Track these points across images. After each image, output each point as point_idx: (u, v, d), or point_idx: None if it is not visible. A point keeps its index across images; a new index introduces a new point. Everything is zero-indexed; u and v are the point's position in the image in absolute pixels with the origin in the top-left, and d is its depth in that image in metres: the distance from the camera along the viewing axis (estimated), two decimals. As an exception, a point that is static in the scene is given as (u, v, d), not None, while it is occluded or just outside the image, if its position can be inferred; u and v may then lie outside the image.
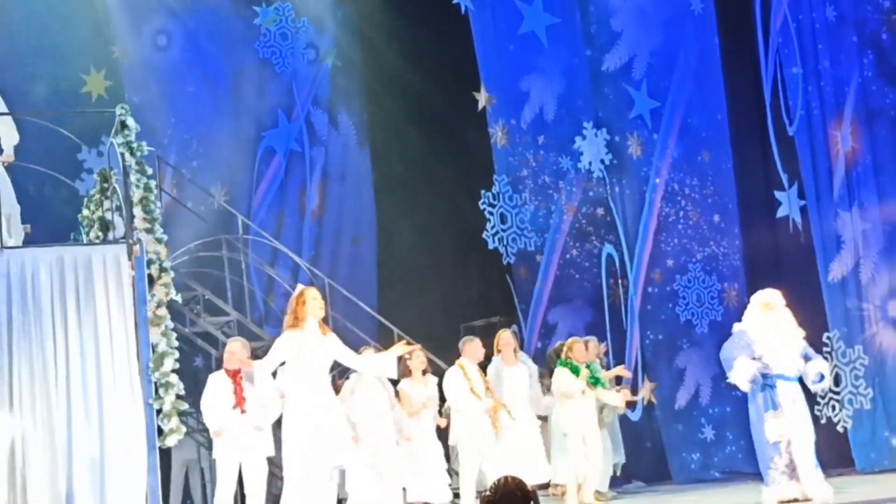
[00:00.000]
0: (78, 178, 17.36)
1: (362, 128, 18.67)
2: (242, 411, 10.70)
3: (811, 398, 14.94)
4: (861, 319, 15.44)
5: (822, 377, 11.27)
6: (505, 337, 12.66)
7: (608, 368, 14.64)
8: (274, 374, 10.30)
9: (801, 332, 11.26)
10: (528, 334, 16.36)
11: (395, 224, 17.81)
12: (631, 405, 14.77)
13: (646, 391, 16.32)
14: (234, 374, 10.87)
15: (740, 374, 11.09)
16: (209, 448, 11.78)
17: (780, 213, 16.01)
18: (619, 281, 16.80)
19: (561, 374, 12.43)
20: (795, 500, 10.71)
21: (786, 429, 10.92)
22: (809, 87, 15.75)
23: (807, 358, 11.23)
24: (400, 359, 10.85)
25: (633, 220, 16.82)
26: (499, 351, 12.58)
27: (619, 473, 14.21)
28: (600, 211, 16.93)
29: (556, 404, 12.53)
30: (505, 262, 16.77)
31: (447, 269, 17.16)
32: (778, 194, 15.96)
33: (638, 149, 17.00)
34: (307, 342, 9.18)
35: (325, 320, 9.58)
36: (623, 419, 14.63)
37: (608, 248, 16.87)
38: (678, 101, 17.04)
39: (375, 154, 18.36)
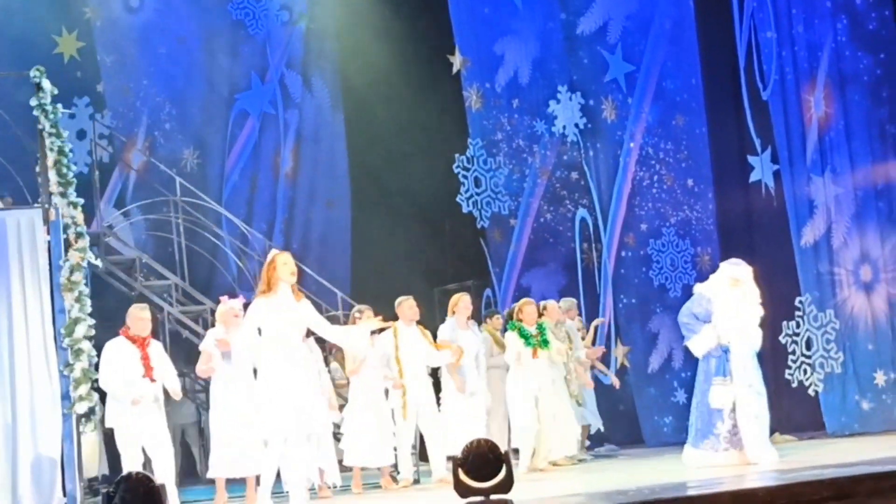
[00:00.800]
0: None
1: (336, 90, 18.59)
2: (152, 380, 10.45)
3: (783, 362, 15.06)
4: (833, 284, 15.51)
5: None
6: (465, 301, 12.53)
7: (589, 329, 14.70)
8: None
9: (761, 312, 11.35)
10: (502, 298, 16.39)
11: (370, 187, 17.78)
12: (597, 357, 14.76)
13: (619, 354, 16.39)
14: (143, 342, 10.57)
15: (700, 345, 11.25)
16: (207, 409, 11.68)
17: (753, 177, 16.04)
18: (593, 245, 16.83)
19: (508, 337, 12.42)
20: (736, 466, 10.67)
21: (729, 398, 11.00)
22: (783, 51, 15.75)
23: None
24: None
25: (608, 185, 16.82)
26: (453, 313, 12.46)
27: (585, 437, 14.17)
28: (574, 175, 16.94)
29: (511, 368, 12.45)
30: (479, 226, 16.77)
31: (421, 233, 17.15)
32: (751, 159, 15.98)
33: (612, 113, 16.99)
34: (279, 308, 9.13)
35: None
36: (596, 383, 14.67)
37: (582, 212, 16.88)
38: (653, 65, 17.03)
39: (349, 117, 18.31)
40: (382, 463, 11.78)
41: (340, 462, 11.76)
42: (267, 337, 9.16)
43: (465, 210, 16.69)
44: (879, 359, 15.29)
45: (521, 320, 12.39)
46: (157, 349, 10.67)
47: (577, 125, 16.92)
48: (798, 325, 15.27)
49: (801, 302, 15.42)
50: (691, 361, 16.18)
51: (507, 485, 6.39)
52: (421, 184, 16.99)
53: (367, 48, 17.53)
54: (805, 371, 15.31)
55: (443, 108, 16.92)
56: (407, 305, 12.06)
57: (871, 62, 15.87)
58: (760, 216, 15.90)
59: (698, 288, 11.53)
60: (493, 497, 6.34)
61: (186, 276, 15.14)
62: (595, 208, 16.82)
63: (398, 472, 11.91)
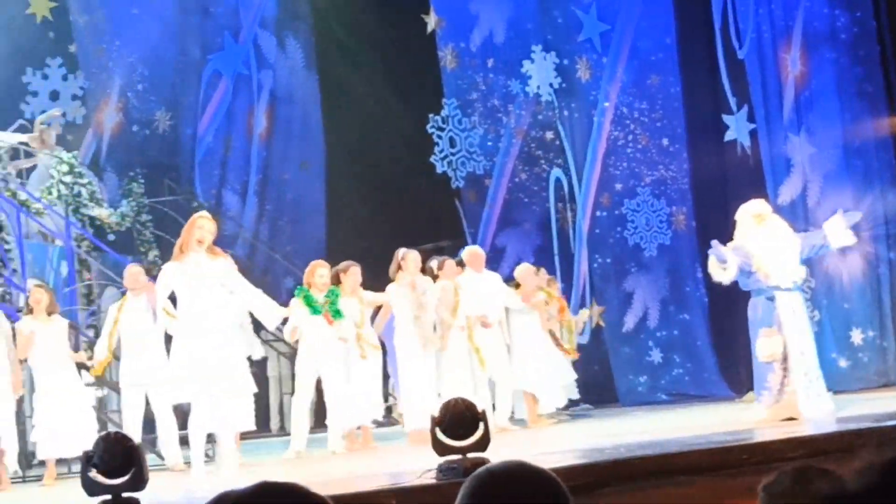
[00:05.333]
0: (23, 101, 17.18)
1: (310, 51, 18.52)
2: None
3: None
4: (808, 243, 15.52)
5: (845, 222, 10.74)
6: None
7: (566, 295, 14.73)
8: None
9: (797, 240, 10.75)
10: (478, 258, 16.35)
11: (344, 148, 17.74)
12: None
13: (594, 314, 16.42)
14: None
15: (727, 274, 10.57)
16: (291, 359, 11.70)
17: (729, 136, 16.02)
18: (568, 205, 16.82)
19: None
20: (791, 419, 10.02)
21: (777, 347, 10.22)
22: (760, 9, 15.71)
23: (814, 239, 10.84)
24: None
25: (582, 144, 16.80)
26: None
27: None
28: (549, 135, 16.91)
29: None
30: (454, 186, 16.75)
31: (396, 193, 17.12)
32: (726, 118, 15.97)
33: (587, 72, 16.95)
34: (186, 271, 9.05)
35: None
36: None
37: (557, 172, 16.87)
38: (627, 25, 16.96)
39: (324, 77, 18.24)
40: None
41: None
42: (179, 302, 9.15)
43: (439, 170, 16.66)
44: (855, 317, 15.33)
45: (310, 285, 11.44)
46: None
47: (551, 85, 16.87)
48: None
49: (776, 261, 15.42)
50: (666, 321, 16.26)
51: (483, 443, 6.42)
52: (395, 144, 16.96)
53: (342, 7, 17.44)
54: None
55: (417, 67, 16.86)
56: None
57: (849, 20, 15.85)
58: (736, 175, 15.88)
59: (729, 245, 10.80)
60: (470, 455, 6.37)
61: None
62: (570, 168, 16.80)
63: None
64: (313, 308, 11.12)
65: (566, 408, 14.26)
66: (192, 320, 8.98)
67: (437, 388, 11.50)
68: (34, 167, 15.85)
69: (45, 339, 10.25)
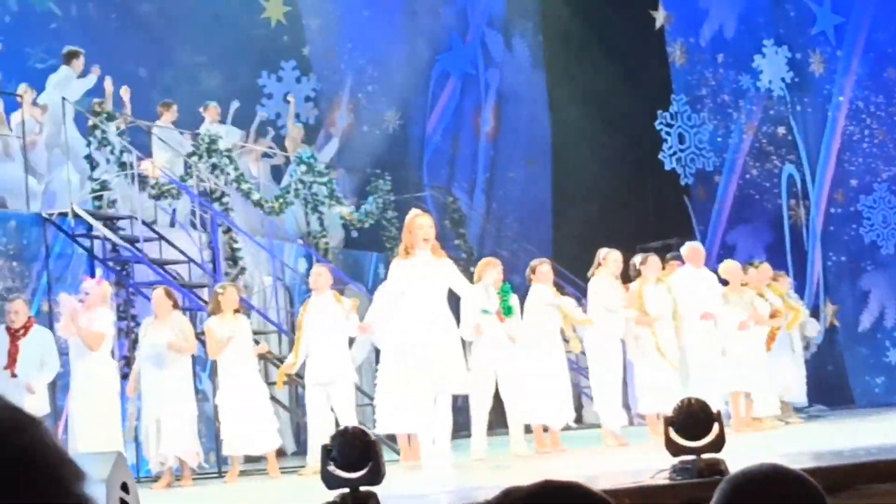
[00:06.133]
0: (258, 104, 17.66)
1: (537, 49, 18.58)
2: (13, 375, 9.97)
3: None
4: None
5: None
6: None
7: (799, 294, 14.30)
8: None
9: None
10: (707, 255, 16.15)
11: (570, 145, 17.74)
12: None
13: (828, 313, 16.02)
14: (14, 333, 10.06)
15: None
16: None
17: (971, 129, 15.45)
18: (801, 201, 16.46)
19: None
20: None
21: None
22: None
23: None
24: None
25: (815, 140, 16.42)
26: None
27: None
28: (781, 130, 16.59)
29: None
30: (683, 183, 16.57)
31: (623, 190, 17.04)
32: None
33: (820, 66, 16.55)
34: (413, 270, 9.02)
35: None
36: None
37: (789, 168, 16.53)
38: (863, 16, 16.49)
39: (550, 75, 18.28)
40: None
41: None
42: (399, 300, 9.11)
43: (668, 167, 16.50)
44: None
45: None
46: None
47: (783, 79, 16.54)
48: None
49: None
50: (905, 320, 15.76)
51: (718, 444, 6.33)
52: (623, 141, 16.87)
53: (569, 4, 17.44)
54: None
55: (645, 64, 16.75)
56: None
57: None
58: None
59: None
60: (705, 456, 6.28)
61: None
62: (803, 164, 16.44)
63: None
64: (483, 308, 10.49)
65: (799, 409, 13.91)
66: (417, 319, 9.04)
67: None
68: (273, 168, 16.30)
69: (234, 338, 10.22)
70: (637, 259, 11.84)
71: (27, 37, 16.09)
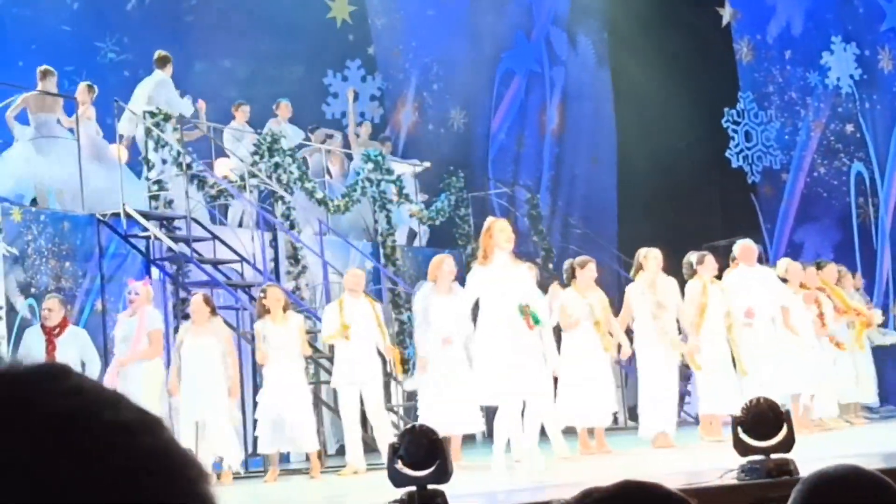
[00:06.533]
0: (324, 102, 17.73)
1: (602, 46, 18.52)
2: None
3: None
4: None
5: None
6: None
7: (868, 292, 14.13)
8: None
9: None
10: (774, 253, 16.06)
11: (635, 143, 17.66)
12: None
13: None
14: (50, 331, 10.14)
15: None
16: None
17: None
18: (870, 199, 16.31)
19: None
20: None
21: None
22: None
23: None
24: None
25: (885, 137, 16.26)
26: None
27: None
28: (849, 127, 16.44)
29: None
30: (750, 181, 16.48)
31: (689, 188, 16.94)
32: None
33: (889, 63, 16.40)
34: (492, 276, 8.97)
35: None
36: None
37: (858, 166, 16.38)
38: (933, 12, 16.35)
39: (615, 73, 18.22)
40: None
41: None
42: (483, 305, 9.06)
43: (734, 165, 16.41)
44: None
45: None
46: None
47: (851, 76, 16.40)
48: None
49: None
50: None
51: (788, 444, 6.28)
52: (688, 139, 16.78)
53: (634, 2, 17.37)
54: None
55: (712, 61, 16.65)
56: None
57: None
58: None
59: None
60: (774, 456, 6.24)
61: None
62: (872, 162, 16.29)
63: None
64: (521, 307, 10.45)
65: (871, 410, 13.74)
66: (496, 324, 9.01)
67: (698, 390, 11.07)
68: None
69: (281, 338, 10.29)
70: (693, 258, 11.59)
71: (97, 30, 16.18)
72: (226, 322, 10.80)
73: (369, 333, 10.41)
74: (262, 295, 10.42)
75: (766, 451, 6.25)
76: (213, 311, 10.41)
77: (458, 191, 16.14)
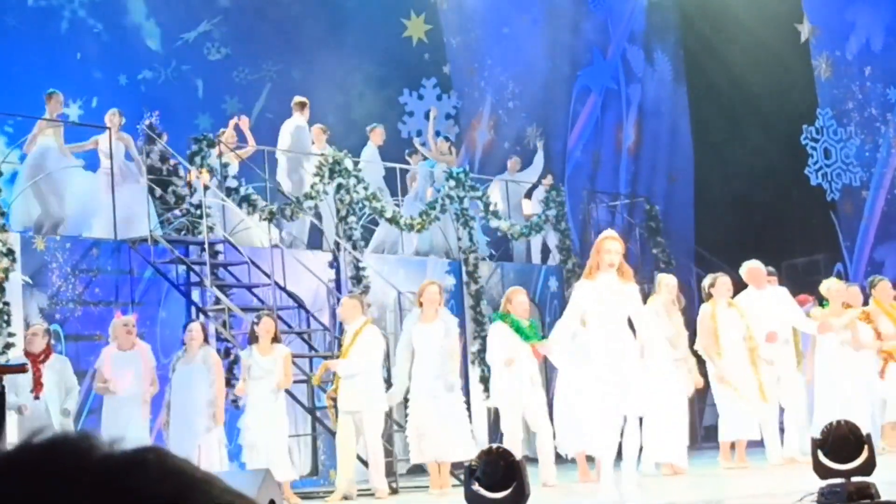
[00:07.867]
0: (400, 121, 17.79)
1: (678, 63, 18.46)
2: (37, 397, 10.01)
3: None
4: None
5: None
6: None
7: None
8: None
9: None
10: (854, 272, 15.89)
11: (713, 160, 17.57)
12: None
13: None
14: (35, 358, 10.05)
15: None
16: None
17: None
18: (952, 217, 16.11)
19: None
20: None
21: None
22: None
23: None
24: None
25: (967, 154, 16.06)
26: (420, 304, 10.58)
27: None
28: (930, 144, 16.25)
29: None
30: (829, 199, 16.31)
31: (768, 206, 16.81)
32: None
33: (971, 79, 16.20)
34: (596, 293, 8.91)
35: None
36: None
37: (940, 183, 16.19)
38: None
39: (692, 89, 18.15)
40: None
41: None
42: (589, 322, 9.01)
43: (813, 182, 16.26)
44: None
45: (507, 311, 10.60)
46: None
47: (934, 91, 16.21)
48: None
49: None
50: None
51: (868, 467, 6.21)
52: (767, 156, 16.66)
53: (711, 19, 17.29)
54: None
55: (790, 77, 16.52)
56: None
57: None
58: None
59: None
60: (854, 479, 6.17)
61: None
62: (955, 178, 16.09)
63: None
64: (524, 334, 10.39)
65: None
66: (599, 342, 8.96)
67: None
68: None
69: (264, 367, 10.21)
70: (706, 281, 11.39)
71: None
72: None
73: (370, 361, 10.47)
74: (255, 321, 10.51)
75: (846, 475, 6.19)
76: (206, 339, 10.61)
77: (559, 205, 16.05)
